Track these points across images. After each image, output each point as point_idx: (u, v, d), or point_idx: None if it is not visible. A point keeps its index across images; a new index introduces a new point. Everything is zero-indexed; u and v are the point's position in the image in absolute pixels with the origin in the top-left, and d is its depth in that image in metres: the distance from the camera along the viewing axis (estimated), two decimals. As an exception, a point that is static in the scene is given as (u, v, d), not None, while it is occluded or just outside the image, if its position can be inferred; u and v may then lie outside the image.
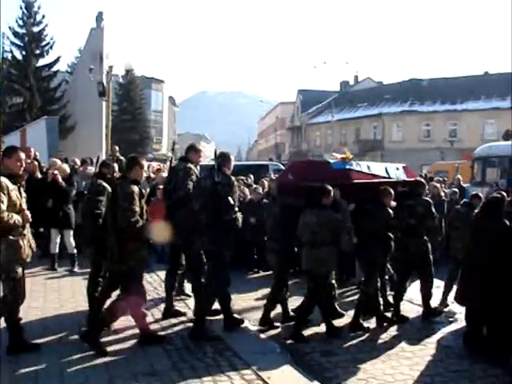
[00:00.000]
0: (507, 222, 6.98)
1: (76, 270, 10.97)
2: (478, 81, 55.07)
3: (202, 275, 7.33)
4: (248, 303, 9.33)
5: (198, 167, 7.86)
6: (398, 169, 8.90)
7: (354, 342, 7.40)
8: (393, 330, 7.94)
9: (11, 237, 5.96)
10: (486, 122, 51.18)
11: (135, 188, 6.40)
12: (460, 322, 8.03)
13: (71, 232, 11.29)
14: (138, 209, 6.32)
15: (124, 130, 50.93)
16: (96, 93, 24.69)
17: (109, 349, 6.26)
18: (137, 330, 6.71)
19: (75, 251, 11.18)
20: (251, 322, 7.95)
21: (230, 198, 6.87)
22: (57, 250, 11.33)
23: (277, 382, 5.53)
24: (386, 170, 8.65)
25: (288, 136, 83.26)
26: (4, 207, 5.79)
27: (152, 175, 14.67)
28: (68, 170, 12.35)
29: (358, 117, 61.99)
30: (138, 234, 6.32)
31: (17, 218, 5.94)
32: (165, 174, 13.64)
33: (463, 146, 43.44)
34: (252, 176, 16.59)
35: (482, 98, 52.93)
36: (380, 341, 7.49)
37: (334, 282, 7.84)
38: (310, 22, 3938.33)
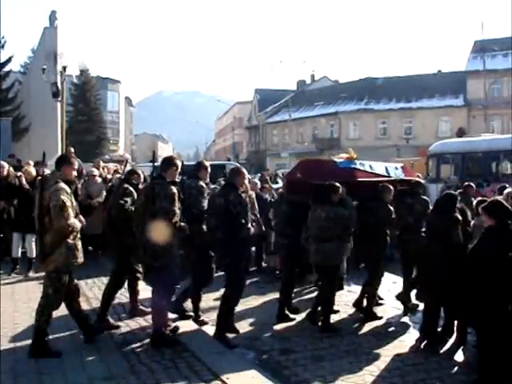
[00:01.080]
0: (459, 217, 7.09)
1: (30, 274, 10.73)
2: (431, 79, 56.00)
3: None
4: (207, 303, 9.29)
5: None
6: (396, 168, 9.38)
7: (312, 339, 7.43)
8: (350, 327, 8.01)
9: (70, 240, 6.09)
10: (440, 119, 52.19)
11: (175, 189, 6.52)
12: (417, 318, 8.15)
13: (34, 237, 11.01)
14: (178, 210, 6.48)
15: (80, 131, 50.28)
16: (50, 93, 24.27)
17: (63, 353, 6.16)
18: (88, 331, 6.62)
19: (34, 255, 10.91)
20: (210, 322, 7.93)
21: (241, 220, 6.96)
22: (19, 255, 11.04)
23: (235, 382, 5.51)
24: (386, 169, 9.13)
25: (246, 135, 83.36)
26: (73, 213, 6.05)
27: (109, 176, 14.49)
28: (34, 173, 12.13)
29: (314, 115, 62.46)
30: (174, 233, 6.45)
31: (76, 222, 6.16)
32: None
33: (418, 143, 44.09)
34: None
35: (436, 96, 53.90)
36: (338, 337, 7.54)
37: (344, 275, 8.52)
38: (266, 21, 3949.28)
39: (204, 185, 7.88)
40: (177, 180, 6.82)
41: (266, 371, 6.05)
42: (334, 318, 8.27)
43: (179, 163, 6.91)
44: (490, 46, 47.18)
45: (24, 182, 11.08)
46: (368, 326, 8.02)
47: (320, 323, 7.79)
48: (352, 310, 8.82)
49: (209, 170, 8.13)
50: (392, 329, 7.92)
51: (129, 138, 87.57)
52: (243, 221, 6.99)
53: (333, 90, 65.18)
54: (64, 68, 24.44)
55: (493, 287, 5.37)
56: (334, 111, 59.06)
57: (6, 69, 39.02)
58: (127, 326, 7.31)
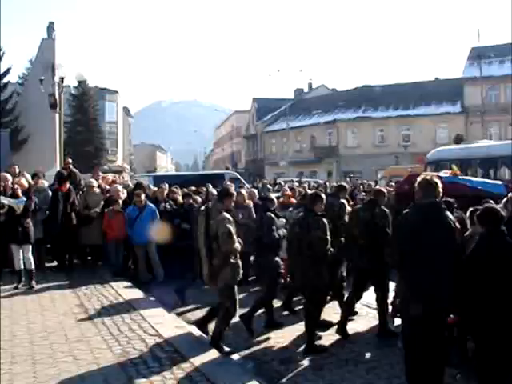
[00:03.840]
0: (457, 225, 7.09)
1: (34, 285, 10.67)
2: (429, 86, 56.04)
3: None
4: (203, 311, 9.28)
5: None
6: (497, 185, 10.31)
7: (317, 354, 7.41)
8: (351, 335, 7.99)
9: (233, 260, 7.09)
10: (437, 126, 52.20)
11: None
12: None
13: (30, 247, 10.99)
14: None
15: (78, 141, 50.28)
16: (48, 105, 24.25)
17: (62, 365, 6.13)
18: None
19: (33, 267, 10.88)
20: (208, 332, 7.90)
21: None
22: (22, 266, 10.83)
23: (235, 392, 5.49)
24: (485, 183, 10.07)
25: (244, 144, 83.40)
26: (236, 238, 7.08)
27: (107, 187, 14.50)
28: (26, 185, 12.12)
29: (312, 124, 62.45)
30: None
31: (238, 245, 7.17)
32: (119, 187, 13.54)
33: (416, 151, 44.10)
34: (210, 185, 16.59)
35: (434, 103, 53.94)
36: (337, 346, 7.52)
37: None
38: (264, 30, 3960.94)
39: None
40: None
41: (266, 381, 6.04)
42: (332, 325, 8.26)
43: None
44: (486, 53, 47.36)
45: (20, 193, 11.04)
46: (368, 335, 8.01)
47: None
48: (351, 319, 8.80)
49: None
50: (392, 339, 7.89)
51: (127, 149, 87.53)
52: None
53: (330, 98, 65.24)
54: (62, 79, 24.38)
55: (487, 294, 5.36)
56: (332, 119, 59.07)
57: (5, 80, 39.09)
58: (126, 336, 7.28)
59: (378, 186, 10.37)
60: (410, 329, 5.43)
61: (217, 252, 6.99)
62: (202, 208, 7.66)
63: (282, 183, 20.01)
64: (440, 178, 9.12)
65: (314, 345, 7.39)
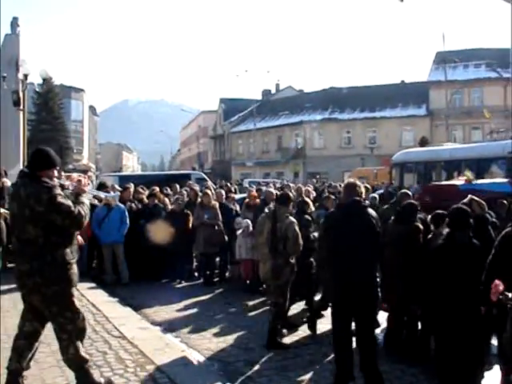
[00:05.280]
0: (420, 226, 7.20)
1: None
2: (395, 89, 56.69)
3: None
4: (170, 314, 9.23)
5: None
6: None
7: (277, 349, 7.40)
8: (314, 336, 8.02)
9: (292, 260, 7.57)
10: (403, 128, 52.83)
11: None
12: (381, 325, 8.18)
13: None
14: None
15: (43, 140, 49.30)
16: (11, 102, 23.86)
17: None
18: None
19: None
20: (173, 334, 7.85)
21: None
22: None
23: (200, 394, 5.46)
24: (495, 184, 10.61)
25: (211, 145, 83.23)
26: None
27: (71, 187, 14.29)
28: None
29: (279, 125, 62.62)
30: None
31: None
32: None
33: (382, 153, 44.59)
34: (177, 185, 16.54)
35: (400, 106, 54.61)
36: (302, 347, 7.54)
37: None
38: (231, 30, 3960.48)
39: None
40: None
41: (231, 382, 6.01)
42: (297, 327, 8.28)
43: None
44: (451, 58, 47.96)
45: None
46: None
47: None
48: (319, 320, 8.84)
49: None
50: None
51: (93, 148, 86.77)
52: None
53: (297, 100, 65.46)
54: (25, 76, 23.99)
55: (449, 292, 5.45)
56: (299, 121, 59.31)
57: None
58: (89, 338, 7.16)
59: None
60: (335, 315, 6.13)
61: (282, 252, 7.45)
62: (266, 210, 8.06)
63: (249, 187, 19.84)
64: (456, 186, 9.98)
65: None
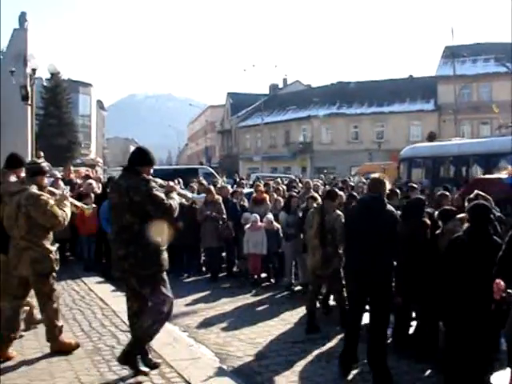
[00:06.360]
0: (427, 221, 7.17)
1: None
2: (403, 84, 56.50)
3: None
4: (177, 309, 9.22)
5: None
6: None
7: (285, 344, 7.42)
8: (322, 331, 8.01)
9: (340, 250, 7.89)
10: (411, 123, 52.63)
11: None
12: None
13: None
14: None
15: (51, 134, 49.59)
16: (20, 96, 23.91)
17: (32, 361, 6.04)
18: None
19: None
20: (181, 328, 7.86)
21: None
22: None
23: (207, 388, 5.45)
24: None
25: (218, 139, 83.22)
26: None
27: (79, 181, 14.33)
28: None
29: (287, 120, 62.57)
30: None
31: None
32: (94, 182, 13.27)
33: (390, 147, 44.44)
34: (181, 180, 16.49)
35: (408, 101, 54.37)
36: (310, 342, 7.53)
37: None
38: (239, 25, 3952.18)
39: None
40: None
41: (239, 377, 6.01)
42: (305, 322, 8.29)
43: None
44: (459, 52, 47.69)
45: None
46: (341, 331, 8.02)
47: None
48: (324, 315, 8.84)
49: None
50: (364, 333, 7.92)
51: (100, 142, 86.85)
52: None
53: (305, 94, 65.27)
54: (33, 70, 24.01)
55: (465, 289, 5.42)
56: (307, 115, 59.23)
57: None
58: (97, 332, 7.20)
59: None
60: (351, 302, 6.64)
61: (330, 243, 8.07)
62: (315, 205, 9.05)
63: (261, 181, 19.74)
64: (501, 179, 10.17)
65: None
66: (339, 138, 55.87)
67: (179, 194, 6.38)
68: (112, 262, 5.79)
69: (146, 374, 5.65)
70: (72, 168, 16.27)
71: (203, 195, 11.58)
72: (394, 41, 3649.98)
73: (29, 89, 23.75)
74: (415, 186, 12.19)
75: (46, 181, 7.01)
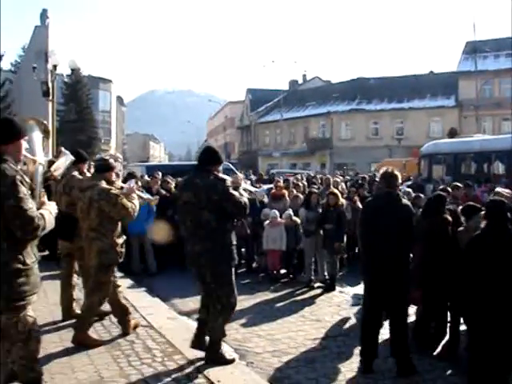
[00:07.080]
0: (449, 218, 7.08)
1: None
2: (423, 80, 56.07)
3: None
4: (198, 305, 9.20)
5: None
6: None
7: (304, 341, 7.39)
8: (344, 328, 7.97)
9: None
10: (431, 119, 52.23)
11: None
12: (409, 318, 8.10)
13: None
14: None
15: (71, 130, 50.00)
16: (41, 92, 24.10)
17: (53, 356, 6.07)
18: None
19: None
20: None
21: None
22: None
23: (227, 384, 5.44)
24: None
25: (237, 135, 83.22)
26: None
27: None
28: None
29: (306, 115, 62.40)
30: None
31: None
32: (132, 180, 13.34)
33: (410, 144, 44.09)
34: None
35: (428, 97, 53.93)
36: (329, 339, 7.50)
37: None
38: (259, 21, 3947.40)
39: None
40: None
41: (258, 373, 6.00)
42: (325, 318, 8.27)
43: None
44: (481, 47, 47.27)
45: None
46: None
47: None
48: (344, 311, 8.80)
49: None
50: (384, 330, 7.87)
51: (120, 138, 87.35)
52: None
53: (324, 90, 65.08)
54: (54, 67, 24.16)
55: (487, 286, 5.36)
56: (326, 111, 58.99)
57: (-3, 67, 38.77)
58: (117, 327, 7.22)
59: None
60: (369, 299, 6.47)
61: None
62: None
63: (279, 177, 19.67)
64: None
65: None
66: (359, 134, 55.57)
67: (244, 190, 6.74)
68: (186, 257, 6.15)
69: (233, 360, 6.05)
70: (92, 163, 16.31)
71: (264, 188, 11.57)
72: (414, 36, 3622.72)
73: (50, 85, 23.92)
74: (459, 185, 11.43)
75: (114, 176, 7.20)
